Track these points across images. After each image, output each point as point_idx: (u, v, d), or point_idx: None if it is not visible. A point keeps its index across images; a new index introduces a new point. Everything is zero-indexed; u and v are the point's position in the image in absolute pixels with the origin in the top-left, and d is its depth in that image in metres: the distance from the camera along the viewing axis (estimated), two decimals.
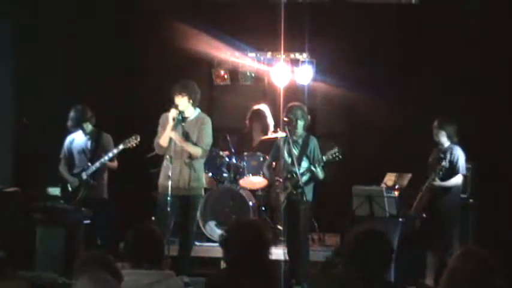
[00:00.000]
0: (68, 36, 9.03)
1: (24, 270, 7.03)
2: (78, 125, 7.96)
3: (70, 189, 7.90)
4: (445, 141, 7.60)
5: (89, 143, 7.99)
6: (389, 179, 8.08)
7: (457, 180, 7.52)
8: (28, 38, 9.14)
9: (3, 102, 9.19)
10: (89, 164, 7.86)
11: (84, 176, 7.84)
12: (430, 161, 7.73)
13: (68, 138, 8.08)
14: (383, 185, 7.98)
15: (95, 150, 7.95)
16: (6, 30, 9.19)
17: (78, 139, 8.04)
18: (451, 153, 7.52)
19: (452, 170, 7.49)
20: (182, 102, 7.31)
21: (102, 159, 7.82)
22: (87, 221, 7.69)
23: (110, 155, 7.83)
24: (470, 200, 8.00)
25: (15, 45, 9.29)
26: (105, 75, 9.18)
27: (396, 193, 7.77)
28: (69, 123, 7.96)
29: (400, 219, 7.57)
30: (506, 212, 8.25)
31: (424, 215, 7.55)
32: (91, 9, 9.06)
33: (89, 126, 8.00)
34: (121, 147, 7.78)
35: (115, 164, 8.01)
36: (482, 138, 8.55)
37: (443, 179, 7.47)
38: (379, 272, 3.88)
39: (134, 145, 7.76)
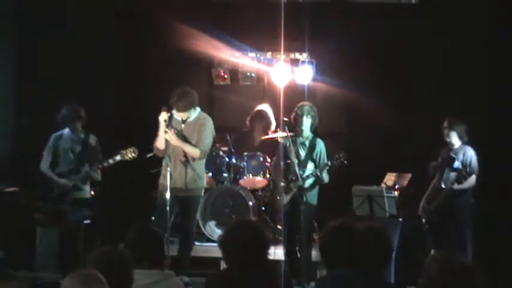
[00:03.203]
0: (68, 36, 9.03)
1: (24, 270, 7.07)
2: (70, 123, 7.79)
3: (57, 190, 7.74)
4: (456, 142, 7.59)
5: (76, 143, 7.84)
6: (389, 179, 8.07)
7: (471, 181, 7.48)
8: (28, 38, 9.15)
9: (3, 102, 9.20)
10: (81, 168, 7.72)
11: (74, 180, 7.71)
12: (439, 160, 7.69)
13: (54, 135, 7.89)
14: (383, 185, 7.98)
15: (83, 152, 7.81)
16: (6, 30, 9.20)
17: (66, 137, 7.85)
18: (464, 154, 7.51)
19: (467, 172, 7.46)
20: (181, 114, 7.32)
21: (94, 166, 7.67)
22: (87, 221, 7.69)
23: (105, 164, 7.69)
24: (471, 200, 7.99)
25: (15, 45, 9.30)
26: (105, 75, 9.18)
27: (396, 193, 7.77)
28: (60, 120, 7.78)
29: (400, 219, 7.58)
30: (506, 212, 8.24)
31: (435, 217, 7.54)
32: (91, 9, 9.06)
33: (79, 126, 7.82)
34: (118, 158, 7.63)
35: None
36: (482, 138, 8.55)
37: (459, 181, 7.46)
38: (378, 269, 3.89)
39: (131, 158, 7.61)
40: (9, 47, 9.25)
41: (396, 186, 7.93)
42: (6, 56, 9.19)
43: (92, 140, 7.90)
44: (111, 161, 7.69)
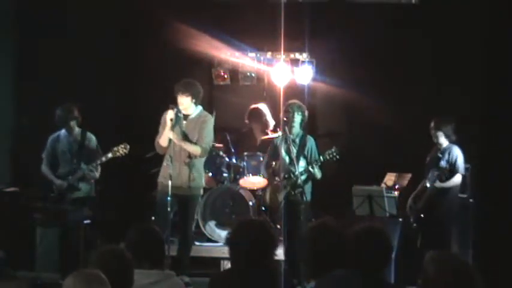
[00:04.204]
0: (68, 36, 9.03)
1: (24, 270, 7.07)
2: (64, 123, 7.78)
3: (56, 191, 7.73)
4: (443, 142, 7.62)
5: (73, 143, 7.82)
6: (389, 179, 8.08)
7: (456, 180, 7.54)
8: (28, 38, 9.15)
9: (3, 102, 9.19)
10: (78, 168, 7.70)
11: (71, 180, 7.70)
12: (428, 160, 7.75)
13: (51, 137, 7.90)
14: (383, 185, 7.99)
15: (80, 152, 7.79)
16: (6, 30, 9.20)
17: (62, 139, 7.86)
18: (449, 154, 7.54)
19: (451, 170, 7.51)
20: (185, 101, 7.32)
21: (90, 166, 7.67)
22: (87, 221, 7.68)
23: (98, 162, 7.67)
24: (470, 200, 8.00)
25: (15, 45, 9.30)
26: (105, 75, 9.18)
27: (396, 193, 7.77)
28: (56, 121, 7.77)
29: (400, 219, 7.58)
30: (506, 212, 8.25)
31: (422, 215, 7.56)
32: (91, 9, 9.05)
33: (74, 126, 7.80)
34: (109, 155, 7.59)
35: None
36: (482, 137, 8.56)
37: (440, 179, 7.49)
38: (377, 270, 3.88)
39: (123, 154, 7.58)
40: (9, 47, 9.25)
41: (396, 186, 7.94)
42: (6, 56, 9.19)
43: (89, 138, 7.87)
44: (103, 159, 7.66)
